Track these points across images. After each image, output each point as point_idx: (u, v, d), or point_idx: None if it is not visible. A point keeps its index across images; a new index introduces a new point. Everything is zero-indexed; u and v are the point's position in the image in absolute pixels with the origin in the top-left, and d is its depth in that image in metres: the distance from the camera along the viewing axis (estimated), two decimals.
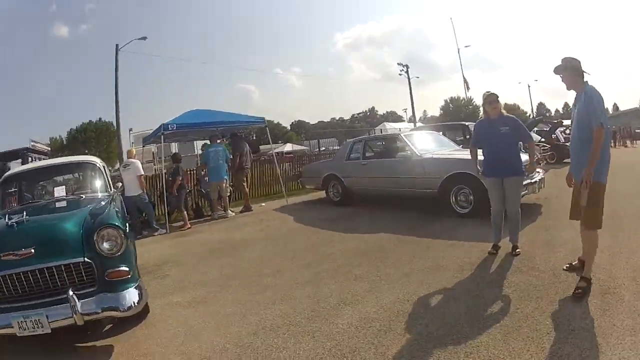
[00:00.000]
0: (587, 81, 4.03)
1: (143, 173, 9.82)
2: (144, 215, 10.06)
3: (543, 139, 18.79)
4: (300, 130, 74.75)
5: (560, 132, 20.92)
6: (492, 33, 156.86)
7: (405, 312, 4.04)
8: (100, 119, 57.81)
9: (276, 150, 27.69)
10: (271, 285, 5.32)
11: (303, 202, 12.57)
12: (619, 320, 3.39)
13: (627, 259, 4.76)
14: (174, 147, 20.49)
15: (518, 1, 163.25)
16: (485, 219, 5.95)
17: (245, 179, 11.57)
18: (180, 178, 10.32)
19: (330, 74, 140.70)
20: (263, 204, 12.47)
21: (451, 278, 4.85)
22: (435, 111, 74.46)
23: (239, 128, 13.16)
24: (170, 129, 10.68)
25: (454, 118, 50.66)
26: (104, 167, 6.13)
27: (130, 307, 3.86)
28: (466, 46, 46.53)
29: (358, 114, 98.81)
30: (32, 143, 13.84)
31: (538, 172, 7.76)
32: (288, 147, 49.05)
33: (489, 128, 5.44)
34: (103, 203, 4.85)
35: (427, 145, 9.39)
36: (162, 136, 10.99)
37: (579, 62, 4.01)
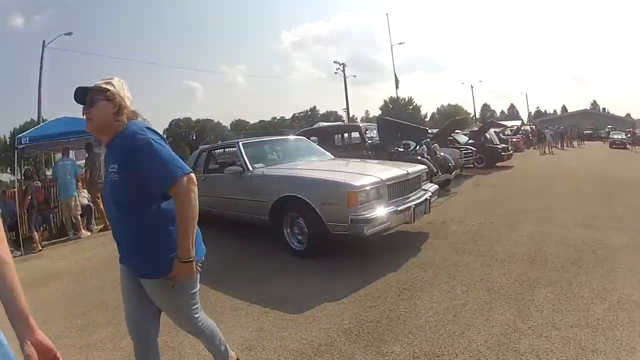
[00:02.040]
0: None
1: None
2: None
3: (472, 140, 17.65)
4: (240, 129, 74.83)
5: (496, 133, 20.75)
6: (437, 34, 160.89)
7: None
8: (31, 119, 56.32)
9: None
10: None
11: None
12: None
13: None
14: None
15: (465, 2, 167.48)
16: (322, 260, 5.08)
17: (100, 194, 9.50)
18: (30, 197, 9.22)
19: (275, 72, 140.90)
20: None
21: None
22: (377, 111, 75.42)
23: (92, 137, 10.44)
24: (23, 142, 9.69)
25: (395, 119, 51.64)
26: None
27: None
28: (400, 43, 46.43)
29: (299, 113, 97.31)
30: None
31: (425, 190, 6.03)
32: None
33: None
34: None
35: (268, 156, 7.32)
36: (15, 152, 10.14)
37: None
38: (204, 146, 9.74)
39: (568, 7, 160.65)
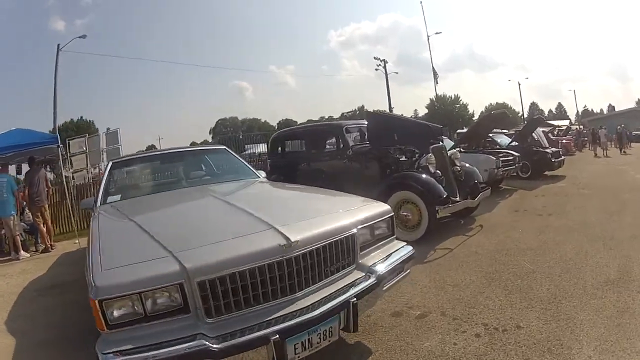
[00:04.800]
0: None
1: None
2: None
3: (515, 142, 13.74)
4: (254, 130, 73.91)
5: (544, 134, 16.99)
6: (485, 32, 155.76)
7: None
8: (81, 117, 57.33)
9: None
10: None
11: None
12: None
13: None
14: None
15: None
16: None
17: (39, 214, 9.54)
18: None
19: (323, 71, 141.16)
20: (77, 242, 9.50)
21: None
22: (424, 110, 72.67)
23: (35, 151, 10.51)
24: None
25: (441, 118, 49.67)
26: None
27: None
28: (437, 33, 44.40)
29: (347, 112, 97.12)
30: None
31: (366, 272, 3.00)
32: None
33: None
34: None
35: (151, 180, 5.66)
36: None
37: None
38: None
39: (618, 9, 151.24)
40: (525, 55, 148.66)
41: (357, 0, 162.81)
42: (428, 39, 37.55)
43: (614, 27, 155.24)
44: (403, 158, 6.80)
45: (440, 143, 6.90)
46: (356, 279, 2.83)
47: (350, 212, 3.08)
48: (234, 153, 5.71)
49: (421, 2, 55.95)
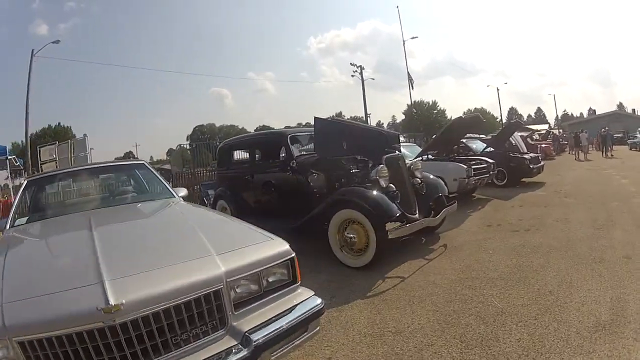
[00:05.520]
0: None
1: None
2: None
3: (491, 148, 12.88)
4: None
5: (523, 138, 16.14)
6: (465, 38, 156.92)
7: None
8: (59, 123, 57.96)
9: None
10: None
11: None
12: None
13: None
14: None
15: (493, 7, 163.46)
16: None
17: None
18: None
19: (303, 78, 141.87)
20: None
21: None
22: (402, 116, 72.17)
23: None
24: None
25: (418, 124, 49.38)
26: None
27: None
28: (413, 37, 45.23)
29: (325, 118, 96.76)
30: None
31: None
32: None
33: None
34: None
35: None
36: None
37: None
38: None
39: (591, 7, 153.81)
40: (505, 62, 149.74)
41: (337, 7, 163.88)
42: (404, 43, 36.97)
43: (596, 32, 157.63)
44: (355, 169, 5.78)
45: (396, 152, 5.88)
46: (222, 350, 2.05)
47: (226, 255, 2.31)
48: (152, 169, 5.03)
49: (397, 7, 57.05)
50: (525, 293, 3.75)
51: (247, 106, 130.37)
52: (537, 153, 14.91)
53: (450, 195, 8.73)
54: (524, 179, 12.15)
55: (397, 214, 4.89)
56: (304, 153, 6.80)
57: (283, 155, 6.92)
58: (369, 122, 39.09)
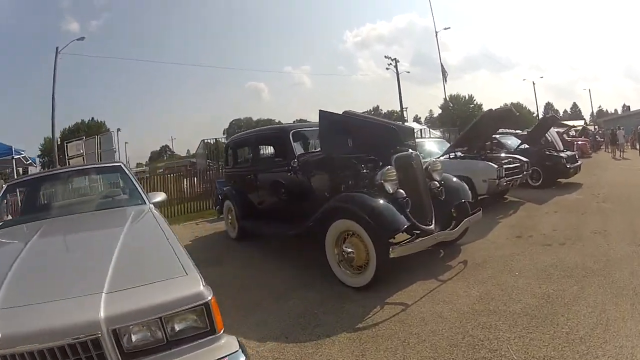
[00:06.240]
0: None
1: None
2: None
3: (526, 145, 12.02)
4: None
5: (559, 135, 14.48)
6: (502, 32, 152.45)
7: None
8: (92, 118, 59.24)
9: None
10: None
11: None
12: None
13: None
14: None
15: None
16: None
17: None
18: None
19: (339, 72, 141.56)
20: None
21: None
22: (439, 111, 70.72)
23: None
24: None
25: (454, 119, 48.13)
26: None
27: None
28: (445, 28, 44.06)
29: (362, 112, 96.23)
30: None
31: None
32: None
33: None
34: None
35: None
36: None
37: None
38: None
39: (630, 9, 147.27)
40: (539, 55, 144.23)
41: (373, 0, 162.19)
42: (436, 34, 35.78)
43: (628, 27, 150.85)
44: (365, 170, 5.03)
45: (409, 150, 5.10)
46: None
47: (116, 295, 1.93)
48: (128, 171, 4.80)
49: None
50: (550, 339, 2.97)
51: (284, 100, 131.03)
52: (573, 151, 13.82)
53: (480, 197, 8.04)
54: (560, 180, 11.13)
55: (405, 226, 4.16)
56: (312, 151, 6.16)
57: (277, 153, 6.34)
58: (405, 116, 38.27)
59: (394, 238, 4.34)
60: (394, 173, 4.55)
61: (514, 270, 4.53)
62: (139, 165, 63.30)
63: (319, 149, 5.75)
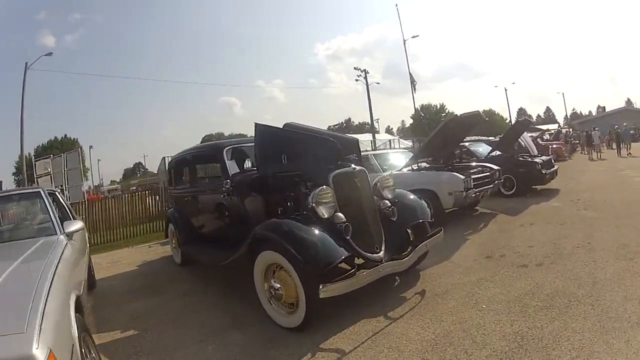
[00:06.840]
0: None
1: None
2: None
3: (498, 151, 11.32)
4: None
5: (533, 139, 14.62)
6: (473, 40, 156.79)
7: None
8: (65, 135, 58.45)
9: None
10: None
11: None
12: None
13: None
14: None
15: (500, 7, 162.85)
16: None
17: None
18: None
19: (311, 84, 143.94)
20: None
21: None
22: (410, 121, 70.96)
23: None
24: None
25: (426, 128, 47.77)
26: None
27: None
28: (413, 37, 44.98)
29: (334, 125, 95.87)
30: None
31: None
32: None
33: None
34: None
35: None
36: None
37: None
38: None
39: (599, 6, 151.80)
40: (512, 62, 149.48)
41: (343, 13, 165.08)
42: (404, 42, 36.48)
43: (602, 30, 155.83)
44: (305, 190, 4.23)
45: (352, 166, 4.35)
46: None
47: None
48: (45, 198, 4.46)
49: (396, 5, 56.55)
50: None
51: (257, 114, 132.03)
52: (548, 155, 13.39)
53: (447, 211, 7.33)
54: (535, 187, 10.61)
55: (341, 258, 3.40)
56: (248, 169, 5.42)
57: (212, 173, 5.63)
58: (377, 127, 37.87)
59: (329, 273, 3.56)
60: (330, 194, 3.80)
61: (480, 301, 3.78)
62: (112, 182, 62.89)
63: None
